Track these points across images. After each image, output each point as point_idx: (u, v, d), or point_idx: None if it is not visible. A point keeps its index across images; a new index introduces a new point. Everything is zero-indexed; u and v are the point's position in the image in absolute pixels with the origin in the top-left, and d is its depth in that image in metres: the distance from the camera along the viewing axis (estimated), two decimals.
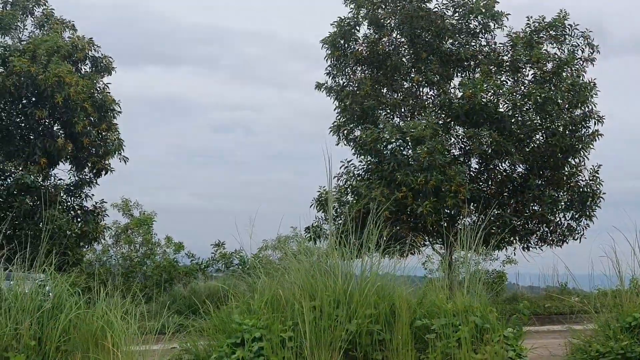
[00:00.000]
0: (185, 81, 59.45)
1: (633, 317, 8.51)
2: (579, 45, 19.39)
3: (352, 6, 19.70)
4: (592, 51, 19.36)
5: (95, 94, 18.29)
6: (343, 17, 19.56)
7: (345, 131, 19.46)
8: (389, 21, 19.46)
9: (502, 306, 13.46)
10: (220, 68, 68.43)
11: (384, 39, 19.56)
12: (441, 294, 8.44)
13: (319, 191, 18.75)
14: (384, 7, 19.41)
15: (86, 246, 19.58)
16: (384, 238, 8.84)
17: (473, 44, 19.63)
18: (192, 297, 15.61)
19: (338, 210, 18.39)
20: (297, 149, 59.63)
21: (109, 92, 18.90)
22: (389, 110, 19.52)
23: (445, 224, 16.94)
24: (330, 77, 19.86)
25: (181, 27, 63.56)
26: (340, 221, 17.16)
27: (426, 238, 17.45)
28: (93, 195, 19.52)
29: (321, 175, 8.68)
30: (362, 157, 18.52)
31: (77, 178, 18.87)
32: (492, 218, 14.76)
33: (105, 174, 19.00)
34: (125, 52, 61.18)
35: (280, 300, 7.77)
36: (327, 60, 19.74)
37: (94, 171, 18.77)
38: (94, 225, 18.56)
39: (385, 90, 19.72)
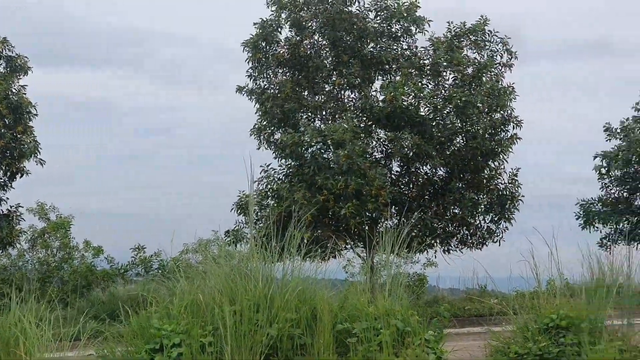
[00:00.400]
0: (107, 84, 58.34)
1: (550, 318, 8.65)
2: (498, 50, 20.00)
3: (273, 8, 19.74)
4: (510, 57, 19.99)
5: (10, 96, 17.75)
6: (265, 19, 19.48)
7: (266, 134, 19.39)
8: (310, 24, 19.62)
9: (423, 309, 13.68)
10: (144, 71, 67.49)
11: (305, 41, 19.73)
12: (363, 297, 8.55)
13: (239, 195, 18.61)
14: (306, 9, 19.57)
15: (0, 251, 18.98)
16: (306, 241, 8.83)
17: (394, 47, 20.08)
18: (110, 302, 15.31)
19: (259, 214, 18.27)
20: (219, 152, 59.23)
21: (25, 94, 18.30)
22: (310, 113, 19.73)
23: (367, 227, 17.06)
24: (252, 80, 19.79)
25: (103, 29, 62.35)
26: (262, 225, 17.06)
27: (348, 241, 17.53)
28: (8, 199, 18.92)
29: (243, 178, 8.64)
30: (283, 160, 18.39)
31: None
32: (413, 221, 14.93)
33: (20, 177, 18.48)
34: (47, 54, 59.64)
35: (200, 304, 7.74)
36: (248, 62, 19.65)
37: (8, 174, 18.19)
38: (8, 230, 18.06)
39: (306, 93, 19.92)
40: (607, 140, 25.89)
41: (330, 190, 16.97)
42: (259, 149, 19.82)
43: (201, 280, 8.35)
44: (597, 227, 25.81)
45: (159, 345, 7.21)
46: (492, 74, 19.91)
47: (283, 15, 20.03)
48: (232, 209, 19.16)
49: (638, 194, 25.67)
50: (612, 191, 26.02)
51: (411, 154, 18.77)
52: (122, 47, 69.15)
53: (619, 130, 25.73)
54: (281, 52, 19.83)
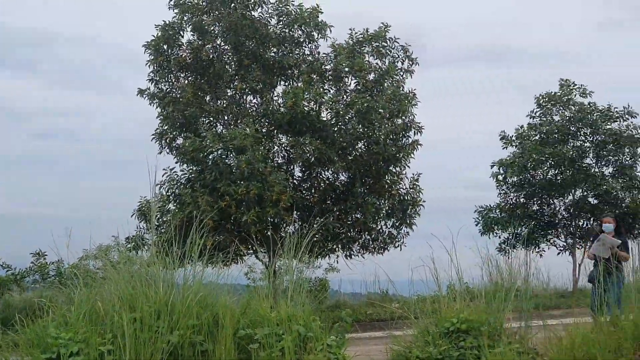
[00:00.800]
0: (3, 86, 56.71)
1: (450, 322, 8.85)
2: (399, 57, 20.40)
3: (176, 11, 19.47)
4: (411, 63, 20.39)
5: None
6: (167, 22, 19.29)
7: (168, 139, 19.16)
8: (213, 28, 19.60)
9: (325, 314, 13.82)
10: (42, 72, 65.93)
11: (208, 45, 19.57)
12: (265, 303, 8.70)
13: (140, 201, 18.37)
14: (208, 13, 19.33)
15: None
16: (208, 247, 8.81)
17: (296, 52, 20.24)
18: (5, 310, 14.85)
19: (160, 219, 18.04)
20: (120, 156, 58.39)
21: None
22: (211, 118, 19.60)
23: (269, 233, 17.08)
24: (153, 84, 19.55)
25: None
26: (163, 230, 16.87)
27: (250, 246, 17.53)
28: None
29: (145, 183, 8.56)
30: (185, 165, 18.22)
31: None
32: (315, 226, 15.02)
33: None
34: None
35: (99, 312, 7.60)
36: (149, 65, 19.38)
37: None
38: None
39: (208, 98, 19.73)
40: (503, 148, 26.76)
41: (232, 196, 16.97)
42: (160, 153, 19.59)
43: (100, 287, 8.20)
44: (496, 233, 26.62)
45: (55, 355, 7.11)
46: (394, 80, 20.27)
47: (185, 19, 19.82)
48: (132, 214, 18.83)
49: (534, 199, 26.71)
50: (510, 197, 26.84)
51: (313, 159, 19.05)
52: (18, 47, 67.32)
53: (514, 138, 26.58)
54: (183, 55, 19.71)
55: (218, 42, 20.51)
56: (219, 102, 20.44)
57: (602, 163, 26.69)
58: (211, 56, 20.16)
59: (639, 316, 9.10)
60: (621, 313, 9.75)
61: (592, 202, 26.37)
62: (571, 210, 26.55)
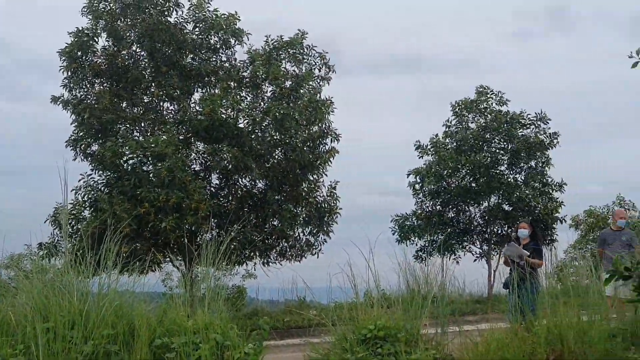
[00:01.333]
0: None
1: (368, 329, 8.97)
2: (316, 64, 20.73)
3: (90, 17, 19.25)
4: (328, 70, 20.75)
5: None
6: (81, 28, 19.10)
7: (83, 146, 18.92)
8: (128, 34, 19.55)
9: (243, 322, 13.87)
10: None
11: (123, 52, 19.43)
12: (182, 311, 8.74)
13: (55, 207, 18.07)
14: (123, 19, 19.40)
15: None
16: (124, 255, 8.76)
17: (213, 59, 20.35)
18: None
19: (75, 226, 17.79)
20: (34, 163, 56.99)
21: None
22: (128, 125, 19.34)
23: (187, 240, 17.07)
24: (67, 90, 19.29)
25: None
26: (77, 237, 16.63)
27: (167, 254, 17.42)
28: None
29: (59, 190, 8.51)
30: (101, 172, 18.03)
31: None
32: (232, 233, 15.09)
33: None
34: None
35: (10, 322, 7.47)
36: (63, 72, 19.12)
37: None
38: None
39: (124, 104, 19.51)
40: (419, 157, 27.22)
41: (151, 203, 16.88)
42: (75, 159, 19.35)
43: (12, 297, 8.09)
44: (413, 240, 27.02)
45: None
46: (310, 87, 20.47)
47: (100, 25, 19.74)
48: (47, 219, 18.53)
49: (450, 206, 27.12)
50: (426, 205, 27.28)
51: (230, 166, 19.19)
52: None
53: (429, 147, 27.03)
54: (98, 62, 19.54)
55: (134, 49, 20.49)
56: (135, 108, 20.33)
57: (515, 170, 27.30)
58: (127, 62, 20.12)
59: (552, 321, 9.47)
60: (535, 319, 10.05)
61: (506, 209, 27.07)
62: (486, 217, 27.45)
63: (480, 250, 28.08)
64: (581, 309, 10.56)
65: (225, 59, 21.57)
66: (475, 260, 27.62)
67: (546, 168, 27.41)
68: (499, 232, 27.89)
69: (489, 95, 28.05)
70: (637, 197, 32.39)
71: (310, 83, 21.37)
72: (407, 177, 27.74)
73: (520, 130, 27.48)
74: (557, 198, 27.34)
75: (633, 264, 4.97)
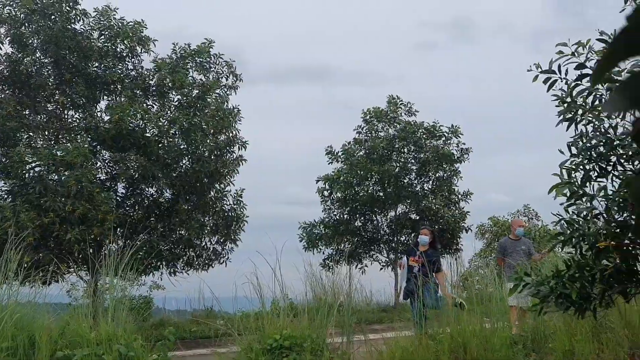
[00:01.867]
0: None
1: (274, 339, 9.16)
2: (223, 73, 20.84)
3: None
4: (235, 79, 20.98)
5: None
6: None
7: None
8: (32, 40, 19.07)
9: (149, 332, 13.91)
10: None
11: (27, 58, 19.09)
12: (84, 322, 8.83)
13: None
14: (27, 25, 19.04)
15: None
16: (26, 265, 8.79)
17: (120, 67, 20.25)
18: None
19: None
20: None
21: None
22: (31, 133, 19.12)
23: (91, 250, 16.98)
24: None
25: None
26: None
27: (71, 265, 17.32)
28: None
29: None
30: (5, 180, 17.79)
31: None
32: (138, 243, 15.14)
33: None
34: None
35: None
36: None
37: None
38: None
39: (28, 112, 19.15)
40: (329, 163, 27.58)
41: (57, 212, 16.77)
42: None
43: None
44: (320, 248, 27.28)
45: None
46: (218, 96, 20.67)
47: (2, 31, 19.67)
48: None
49: (358, 215, 27.51)
50: (334, 213, 27.58)
51: (137, 175, 19.21)
52: None
53: (340, 154, 27.36)
54: (0, 68, 19.14)
55: (38, 55, 20.20)
56: (39, 116, 20.12)
57: (423, 179, 27.92)
58: (30, 69, 19.88)
59: (455, 329, 9.90)
60: (425, 327, 10.43)
61: (413, 218, 27.64)
62: (393, 226, 27.81)
63: (387, 259, 28.83)
64: (484, 316, 11.06)
65: (131, 67, 21.81)
66: (381, 269, 28.32)
67: (454, 179, 28.22)
68: (406, 241, 28.61)
69: (398, 105, 28.72)
70: (540, 206, 33.62)
71: (217, 92, 21.86)
72: (317, 183, 28.16)
73: (430, 141, 28.33)
74: (463, 208, 28.25)
75: (533, 271, 5.38)
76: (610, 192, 5.25)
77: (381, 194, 27.93)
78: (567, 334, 9.77)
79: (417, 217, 28.03)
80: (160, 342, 9.07)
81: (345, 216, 28.61)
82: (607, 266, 4.89)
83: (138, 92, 21.15)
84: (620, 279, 4.93)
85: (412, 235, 27.89)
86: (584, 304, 5.06)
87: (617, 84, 0.69)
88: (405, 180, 28.00)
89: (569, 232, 5.02)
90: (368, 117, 29.08)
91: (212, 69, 22.07)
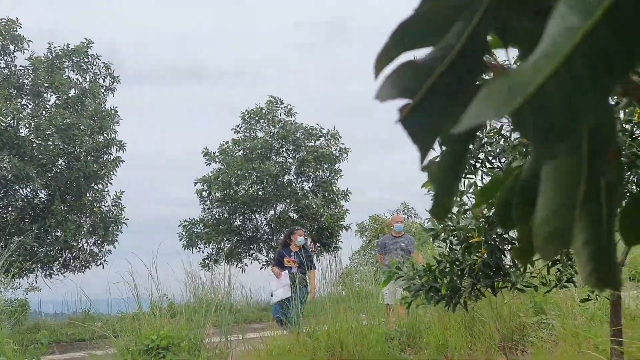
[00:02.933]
0: None
1: (150, 339, 9.21)
2: (101, 73, 20.78)
3: None
4: (113, 80, 20.91)
5: None
6: None
7: None
8: None
9: (24, 336, 13.87)
10: None
11: None
12: None
13: None
14: None
15: None
16: None
17: None
18: None
19: None
20: None
21: None
22: None
23: None
24: None
25: None
26: None
27: None
28: None
29: None
30: None
31: None
32: (12, 246, 15.12)
33: None
34: None
35: None
36: None
37: None
38: None
39: None
40: (207, 165, 27.73)
41: None
42: None
43: None
44: (199, 248, 27.39)
45: None
46: (95, 96, 20.68)
47: None
48: None
49: (237, 214, 27.73)
50: (214, 212, 27.71)
51: (10, 176, 18.87)
52: None
53: (218, 154, 27.51)
54: None
55: None
56: None
57: (303, 179, 28.39)
58: None
59: (333, 326, 10.36)
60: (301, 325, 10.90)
61: (292, 217, 28.09)
62: (272, 225, 28.16)
63: (267, 258, 29.08)
64: (362, 313, 11.62)
65: (4, 66, 21.53)
66: (261, 268, 28.55)
67: (334, 178, 28.82)
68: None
69: (278, 106, 29.09)
70: (419, 204, 34.75)
71: (95, 92, 21.44)
72: (195, 185, 28.22)
73: (310, 141, 28.86)
74: (343, 206, 28.92)
75: (409, 268, 5.64)
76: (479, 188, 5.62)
77: (260, 193, 28.32)
78: (441, 329, 10.15)
79: (297, 216, 28.53)
80: (32, 346, 9.13)
81: (224, 215, 28.63)
82: (476, 261, 5.03)
83: (12, 91, 20.87)
84: (488, 273, 5.45)
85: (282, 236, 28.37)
86: (453, 297, 5.23)
87: (388, 74, 0.78)
88: (284, 180, 28.30)
89: (440, 227, 5.41)
90: (247, 117, 29.26)
91: (89, 70, 21.99)
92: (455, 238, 5.18)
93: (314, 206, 27.66)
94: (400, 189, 62.59)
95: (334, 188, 28.79)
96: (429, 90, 0.73)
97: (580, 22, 0.55)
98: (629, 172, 4.31)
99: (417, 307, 6.05)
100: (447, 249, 5.21)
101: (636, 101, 0.94)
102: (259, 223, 29.09)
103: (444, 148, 0.83)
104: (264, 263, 28.85)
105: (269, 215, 28.92)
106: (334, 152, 28.64)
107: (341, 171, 29.09)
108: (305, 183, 29.09)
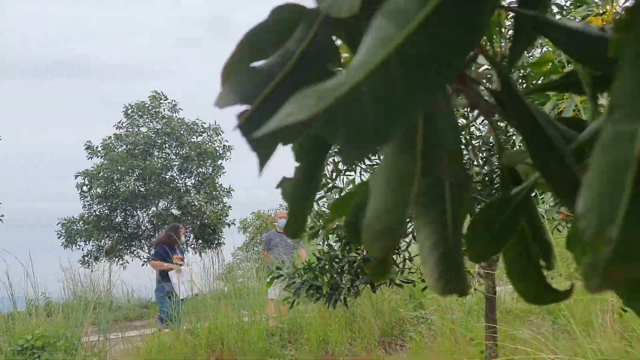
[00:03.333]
0: None
1: (25, 339, 9.03)
2: None
3: None
4: None
5: None
6: None
7: None
8: None
9: None
10: None
11: None
12: None
13: None
14: None
15: None
16: None
17: None
18: None
19: None
20: None
21: None
22: None
23: None
24: None
25: None
26: None
27: None
28: None
29: None
30: None
31: None
32: None
33: None
34: None
35: None
36: None
37: None
38: None
39: None
40: (88, 159, 27.24)
41: None
42: None
43: None
44: (79, 245, 26.94)
45: None
46: None
47: None
48: None
49: (118, 211, 27.41)
50: (94, 209, 27.29)
51: None
52: None
53: (100, 149, 27.12)
54: None
55: None
56: None
57: (186, 175, 28.26)
58: None
59: (213, 324, 10.34)
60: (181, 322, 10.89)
61: (175, 214, 27.89)
62: (154, 222, 27.87)
63: (148, 255, 28.49)
64: (243, 309, 11.66)
65: None
66: (143, 265, 28.15)
67: (217, 175, 28.80)
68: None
69: (161, 101, 28.82)
70: None
71: None
72: (76, 178, 27.60)
73: (193, 137, 28.71)
74: (226, 203, 28.97)
75: (292, 265, 5.65)
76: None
77: (142, 189, 27.99)
78: (322, 325, 10.39)
79: (179, 213, 28.37)
80: None
81: (106, 212, 28.22)
82: (356, 257, 5.09)
83: None
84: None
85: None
86: (333, 293, 5.29)
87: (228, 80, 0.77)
88: (167, 176, 28.17)
89: (319, 224, 5.47)
90: (130, 112, 28.86)
91: None
92: (335, 235, 5.23)
93: (196, 203, 27.63)
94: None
95: (216, 185, 28.81)
96: (268, 96, 0.74)
97: (396, 32, 0.56)
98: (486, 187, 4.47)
99: (297, 304, 6.14)
100: (327, 247, 5.28)
101: (483, 115, 0.95)
102: (140, 220, 28.78)
103: (296, 164, 0.84)
104: (145, 260, 28.54)
105: (150, 212, 28.75)
106: (217, 148, 28.72)
107: (224, 168, 29.22)
108: (188, 179, 29.03)
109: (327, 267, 5.25)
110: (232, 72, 0.77)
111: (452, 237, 0.78)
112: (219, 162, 28.99)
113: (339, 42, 0.82)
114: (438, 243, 0.79)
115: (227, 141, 28.91)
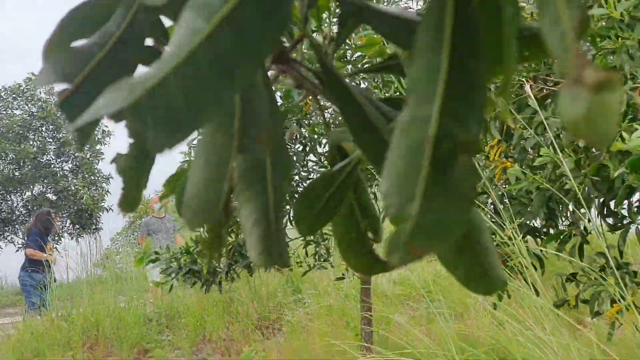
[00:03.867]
0: None
1: None
2: None
3: None
4: None
5: None
6: None
7: None
8: None
9: None
10: None
11: None
12: None
13: None
14: None
15: None
16: None
17: None
18: None
19: None
20: None
21: None
22: None
23: None
24: None
25: None
26: None
27: None
28: None
29: None
30: None
31: None
32: None
33: None
34: None
35: None
36: None
37: None
38: None
39: None
40: None
41: None
42: None
43: None
44: None
45: None
46: None
47: None
48: None
49: None
50: None
51: None
52: None
53: None
54: None
55: None
56: None
57: (63, 159, 27.78)
58: None
59: (88, 310, 10.29)
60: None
61: (50, 199, 27.39)
62: (29, 207, 27.31)
63: (23, 241, 27.82)
64: (120, 295, 11.64)
65: None
66: (17, 250, 27.49)
67: (96, 160, 28.36)
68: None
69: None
70: None
71: None
72: None
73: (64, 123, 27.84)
74: (107, 188, 28.57)
75: (165, 251, 5.65)
76: None
77: (17, 173, 27.17)
78: (200, 310, 10.54)
79: (55, 198, 27.77)
80: None
81: None
82: (232, 241, 5.24)
83: None
84: (243, 254, 5.41)
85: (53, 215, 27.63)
86: (210, 278, 5.44)
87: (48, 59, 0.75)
88: (43, 160, 27.68)
89: None
90: (4, 94, 28.00)
91: None
92: None
93: (73, 188, 27.14)
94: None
95: (94, 170, 28.28)
96: (87, 75, 0.74)
97: (203, 25, 0.58)
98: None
99: (174, 289, 6.13)
100: (204, 232, 5.42)
101: (311, 95, 0.98)
102: (14, 204, 28.19)
103: (130, 140, 0.76)
104: (20, 245, 27.86)
105: (25, 197, 28.08)
106: (96, 133, 27.90)
107: (103, 154, 28.78)
108: (65, 164, 28.53)
109: (204, 251, 5.35)
110: (52, 51, 0.76)
111: (273, 213, 0.82)
112: (98, 147, 28.70)
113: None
114: (260, 219, 0.82)
115: (106, 126, 28.21)
